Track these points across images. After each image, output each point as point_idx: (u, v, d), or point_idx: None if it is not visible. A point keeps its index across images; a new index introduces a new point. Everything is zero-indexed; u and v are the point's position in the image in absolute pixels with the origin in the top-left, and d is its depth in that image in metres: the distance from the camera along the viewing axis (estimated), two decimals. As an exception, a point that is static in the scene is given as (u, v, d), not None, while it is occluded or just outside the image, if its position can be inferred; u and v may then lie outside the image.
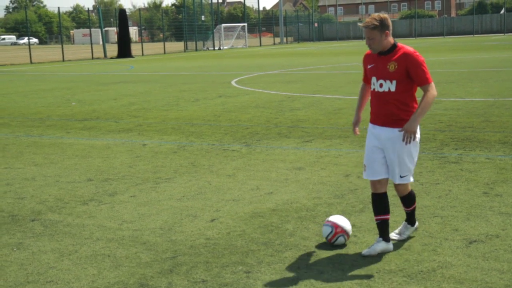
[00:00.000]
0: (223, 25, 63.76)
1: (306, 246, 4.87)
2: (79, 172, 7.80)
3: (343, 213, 5.67)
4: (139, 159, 8.53)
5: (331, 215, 5.63)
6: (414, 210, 4.98)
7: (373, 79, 4.68)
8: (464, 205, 5.80)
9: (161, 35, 68.05)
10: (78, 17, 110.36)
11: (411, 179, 4.77)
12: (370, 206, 5.85)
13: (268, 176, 7.27)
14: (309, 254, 4.70)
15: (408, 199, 4.89)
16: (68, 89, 20.19)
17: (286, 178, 7.13)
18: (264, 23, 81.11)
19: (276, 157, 8.30)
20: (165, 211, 5.97)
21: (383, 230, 4.71)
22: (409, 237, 4.98)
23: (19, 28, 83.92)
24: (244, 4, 73.68)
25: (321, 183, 6.85)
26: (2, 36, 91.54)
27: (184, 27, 58.38)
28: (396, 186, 4.80)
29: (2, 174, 7.82)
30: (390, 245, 4.71)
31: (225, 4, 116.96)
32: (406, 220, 5.01)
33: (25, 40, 76.61)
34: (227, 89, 18.09)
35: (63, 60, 44.27)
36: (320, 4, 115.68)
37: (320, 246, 4.85)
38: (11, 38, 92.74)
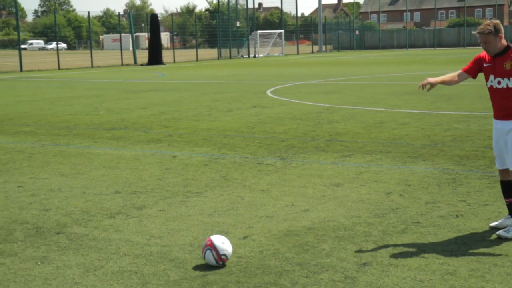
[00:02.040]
0: (259, 31, 64.09)
1: (344, 268, 4.85)
2: (107, 184, 7.91)
3: (384, 233, 5.64)
4: (169, 171, 8.61)
5: (370, 235, 5.60)
6: None
7: (491, 77, 5.52)
8: (515, 228, 5.70)
9: (194, 41, 68.70)
10: (108, 22, 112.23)
11: None
12: (412, 226, 5.82)
13: (304, 192, 7.26)
14: (346, 277, 4.68)
15: None
16: (96, 97, 20.53)
17: (323, 194, 7.12)
18: (302, 30, 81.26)
19: (313, 172, 8.29)
20: (195, 226, 6.01)
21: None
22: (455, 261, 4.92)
23: (48, 33, 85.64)
24: (281, 10, 73.98)
25: (360, 201, 6.81)
26: (30, 41, 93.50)
27: (218, 33, 58.88)
28: None
29: (28, 184, 7.97)
30: None
31: (261, 10, 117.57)
32: None
33: (53, 45, 78.13)
34: (262, 99, 18.16)
35: (92, 66, 45.05)
36: (362, 10, 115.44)
37: (359, 268, 4.82)
38: (39, 43, 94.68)
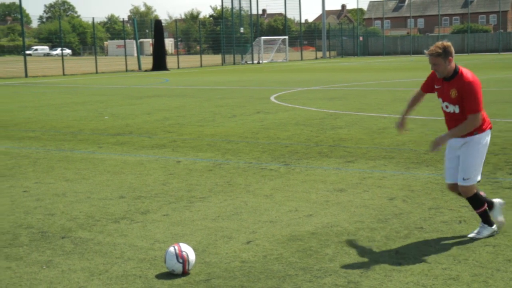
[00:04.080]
0: (263, 37, 64.20)
1: (347, 273, 4.86)
2: (111, 189, 7.94)
3: (387, 238, 5.65)
4: (173, 176, 8.64)
5: (374, 240, 5.62)
6: (485, 212, 5.62)
7: (440, 99, 5.58)
8: (518, 233, 5.72)
9: (198, 47, 68.86)
10: (113, 28, 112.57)
11: (473, 182, 5.50)
12: (416, 232, 5.82)
13: (308, 197, 7.28)
14: (349, 281, 4.69)
15: (474, 201, 5.61)
16: (101, 102, 20.59)
17: (327, 200, 7.14)
18: (306, 36, 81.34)
19: (316, 178, 8.32)
20: (199, 231, 6.03)
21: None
22: (459, 267, 4.93)
23: (53, 39, 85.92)
24: (285, 16, 74.11)
25: (363, 206, 6.83)
26: (35, 47, 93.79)
27: (222, 40, 58.99)
28: (460, 188, 5.56)
29: (33, 189, 8.01)
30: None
31: (265, 16, 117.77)
32: (482, 221, 5.68)
33: (58, 51, 78.40)
34: (265, 105, 18.19)
35: (96, 72, 45.17)
36: (365, 17, 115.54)
37: (362, 273, 4.84)
38: (44, 48, 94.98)
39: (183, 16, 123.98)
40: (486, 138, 5.53)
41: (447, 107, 5.52)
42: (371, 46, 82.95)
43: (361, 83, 27.68)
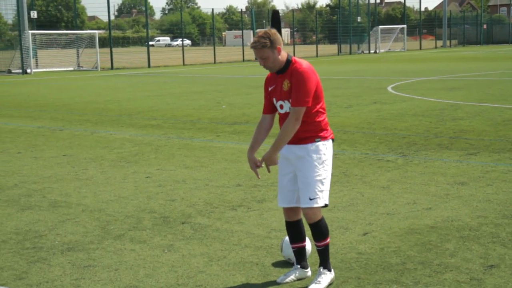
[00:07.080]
0: (380, 27, 63.03)
1: (469, 269, 4.68)
2: (228, 177, 8.09)
3: (512, 235, 5.38)
4: (289, 166, 8.66)
5: (498, 236, 5.37)
6: (327, 248, 4.57)
7: (274, 100, 4.60)
8: None
9: (314, 37, 68.73)
10: (231, 19, 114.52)
11: (321, 203, 4.46)
12: (545, 230, 5.50)
13: (427, 190, 7.08)
14: (472, 278, 4.51)
15: (318, 229, 4.51)
16: (219, 92, 21.02)
17: (447, 193, 6.91)
18: (425, 24, 79.00)
19: (436, 170, 8.06)
20: (315, 221, 6.01)
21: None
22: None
23: (174, 30, 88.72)
24: (404, 4, 72.34)
25: (487, 200, 6.55)
26: (157, 38, 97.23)
27: (338, 29, 58.52)
28: (304, 210, 4.49)
29: (155, 175, 8.32)
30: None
31: (383, 5, 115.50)
32: (320, 265, 4.57)
33: (179, 41, 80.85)
34: (382, 95, 17.86)
35: (215, 62, 46.19)
36: (490, 3, 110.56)
37: (486, 270, 4.64)
38: (165, 39, 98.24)
39: (299, 6, 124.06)
40: (330, 148, 4.54)
41: (281, 107, 4.52)
42: (496, 34, 79.35)
43: (484, 72, 26.54)
